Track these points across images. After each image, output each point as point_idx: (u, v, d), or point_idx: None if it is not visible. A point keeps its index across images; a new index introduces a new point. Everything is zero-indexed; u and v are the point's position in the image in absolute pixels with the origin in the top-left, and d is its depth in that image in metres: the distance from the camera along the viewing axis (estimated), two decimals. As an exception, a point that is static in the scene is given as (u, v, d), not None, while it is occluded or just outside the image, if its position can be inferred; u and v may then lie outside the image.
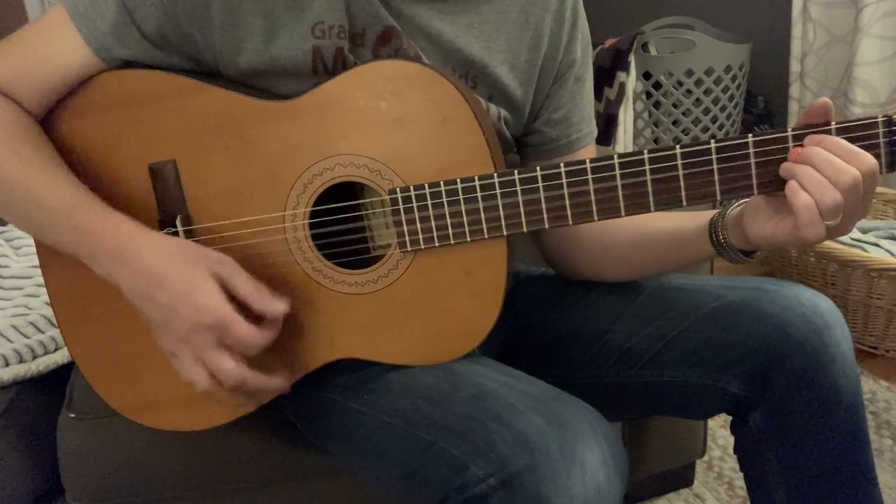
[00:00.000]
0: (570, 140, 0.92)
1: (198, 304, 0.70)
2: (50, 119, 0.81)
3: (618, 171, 0.71)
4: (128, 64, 0.79)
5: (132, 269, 0.72)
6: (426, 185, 0.74)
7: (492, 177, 0.73)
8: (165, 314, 0.72)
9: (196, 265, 0.72)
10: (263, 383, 0.74)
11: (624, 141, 2.32)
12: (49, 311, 1.33)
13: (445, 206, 0.74)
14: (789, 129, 0.68)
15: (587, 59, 0.92)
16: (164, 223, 0.80)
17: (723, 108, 2.35)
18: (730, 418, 0.89)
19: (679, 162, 0.70)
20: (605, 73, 2.31)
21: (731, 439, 0.89)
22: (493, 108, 0.86)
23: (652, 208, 0.72)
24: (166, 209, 0.80)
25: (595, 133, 0.94)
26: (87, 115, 0.80)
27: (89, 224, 0.74)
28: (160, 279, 0.71)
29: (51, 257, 0.83)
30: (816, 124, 0.67)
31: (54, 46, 0.78)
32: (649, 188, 0.71)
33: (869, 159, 0.65)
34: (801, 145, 0.67)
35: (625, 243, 0.87)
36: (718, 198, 0.70)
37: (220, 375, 0.72)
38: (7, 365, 1.20)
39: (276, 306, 0.73)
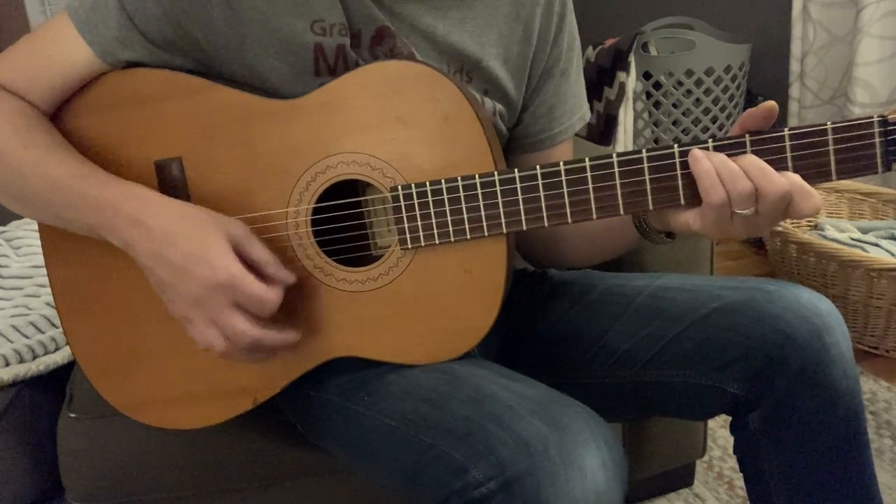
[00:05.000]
0: (553, 133, 0.93)
1: (211, 262, 0.70)
2: (58, 117, 0.81)
3: (616, 170, 0.71)
4: (133, 63, 0.80)
5: (147, 230, 0.73)
6: (427, 182, 0.74)
7: (492, 175, 0.73)
8: (177, 274, 0.72)
9: (209, 226, 0.73)
10: (277, 339, 0.74)
11: (624, 141, 2.32)
12: (49, 312, 1.33)
13: (446, 203, 0.74)
14: (786, 129, 0.68)
15: (572, 53, 0.93)
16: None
17: (723, 108, 2.35)
18: (730, 418, 0.89)
19: (677, 160, 0.70)
20: (605, 73, 2.31)
21: (731, 439, 0.89)
22: (488, 102, 0.87)
23: (650, 207, 0.72)
24: None
25: (577, 126, 0.95)
26: (94, 113, 0.81)
27: (102, 193, 0.75)
28: (172, 237, 0.72)
29: (56, 248, 0.84)
30: (815, 126, 0.67)
31: (60, 48, 0.78)
32: (647, 187, 0.71)
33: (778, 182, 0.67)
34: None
35: (571, 234, 0.93)
36: None
37: (236, 336, 0.72)
38: (7, 365, 1.20)
39: (286, 273, 0.75)
